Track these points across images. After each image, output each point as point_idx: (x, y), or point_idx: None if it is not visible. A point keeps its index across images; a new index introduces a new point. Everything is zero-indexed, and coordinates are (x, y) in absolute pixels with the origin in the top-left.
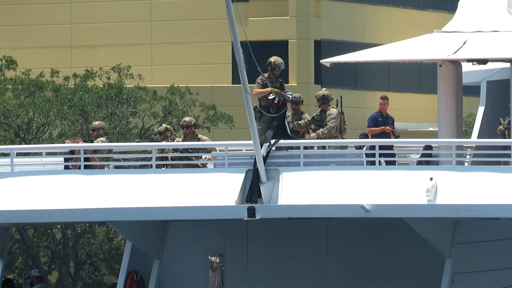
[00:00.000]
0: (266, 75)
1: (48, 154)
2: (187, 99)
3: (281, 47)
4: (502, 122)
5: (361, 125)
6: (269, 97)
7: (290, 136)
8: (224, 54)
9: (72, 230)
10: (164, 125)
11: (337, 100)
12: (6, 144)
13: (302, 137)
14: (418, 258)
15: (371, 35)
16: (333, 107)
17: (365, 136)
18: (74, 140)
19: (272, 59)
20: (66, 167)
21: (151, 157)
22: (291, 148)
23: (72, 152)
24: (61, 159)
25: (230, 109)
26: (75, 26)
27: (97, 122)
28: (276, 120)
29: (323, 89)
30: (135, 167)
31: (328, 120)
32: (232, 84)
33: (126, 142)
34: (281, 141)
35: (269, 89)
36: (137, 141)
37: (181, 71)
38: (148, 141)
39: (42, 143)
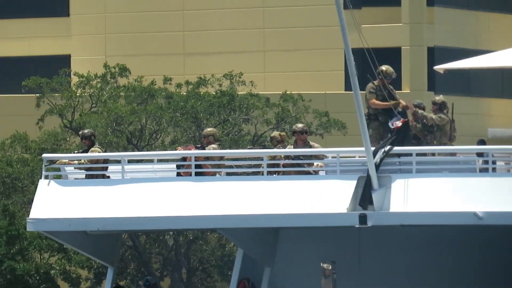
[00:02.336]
0: (376, 82)
1: (159, 161)
2: (299, 106)
3: (394, 54)
4: None
5: (473, 132)
6: (394, 125)
7: (412, 143)
8: (336, 60)
9: (184, 236)
10: (276, 132)
11: (449, 107)
12: (118, 151)
13: (423, 143)
14: None
15: (485, 41)
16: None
17: (482, 142)
18: (186, 147)
19: (384, 67)
20: (179, 174)
21: (262, 164)
22: (403, 155)
23: (184, 159)
24: (172, 166)
25: (343, 115)
26: (187, 34)
27: (209, 129)
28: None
29: (440, 96)
30: (247, 174)
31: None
32: (344, 90)
33: (238, 149)
34: (394, 148)
35: (390, 103)
36: (248, 148)
37: (294, 78)
38: (260, 148)
39: (154, 150)
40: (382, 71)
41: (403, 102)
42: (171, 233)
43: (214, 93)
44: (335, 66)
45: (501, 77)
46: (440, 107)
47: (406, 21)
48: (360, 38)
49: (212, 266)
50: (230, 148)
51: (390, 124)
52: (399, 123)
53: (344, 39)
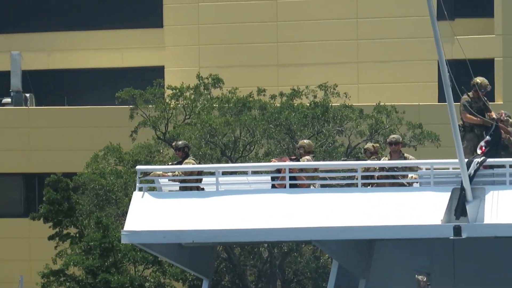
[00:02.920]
0: (470, 94)
1: (253, 172)
2: (393, 118)
3: (487, 65)
4: None
5: None
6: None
7: (501, 154)
8: (430, 72)
9: (278, 249)
10: (370, 144)
11: None
12: (212, 163)
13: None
14: None
15: None
16: None
17: None
18: (281, 159)
19: (478, 80)
20: (273, 186)
21: (357, 176)
22: (497, 166)
23: (279, 171)
24: (266, 177)
25: (436, 127)
26: (281, 45)
27: (305, 141)
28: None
29: None
30: (341, 185)
31: None
32: (438, 102)
33: (332, 160)
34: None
35: (481, 119)
36: (342, 160)
37: (387, 89)
38: (354, 160)
39: (248, 162)
40: (476, 83)
41: (493, 115)
42: (266, 245)
43: (308, 104)
44: (429, 77)
45: None
46: None
47: (499, 32)
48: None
49: (306, 278)
50: (323, 160)
51: (477, 149)
52: (483, 144)
53: (438, 50)
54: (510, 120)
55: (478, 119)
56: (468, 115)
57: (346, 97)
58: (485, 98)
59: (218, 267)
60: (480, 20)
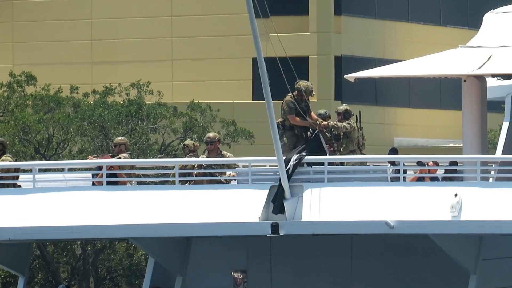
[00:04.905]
0: (294, 94)
1: (70, 170)
2: (207, 115)
3: (301, 63)
4: None
5: (380, 140)
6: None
7: (325, 152)
8: (244, 70)
9: (92, 246)
10: (190, 140)
11: (356, 115)
12: (26, 160)
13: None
14: (443, 274)
15: (392, 51)
16: (348, 122)
17: (394, 151)
18: (103, 156)
19: (303, 85)
20: (94, 184)
21: (174, 173)
22: (315, 164)
23: (99, 168)
24: (83, 175)
25: (250, 125)
26: (95, 42)
27: (119, 138)
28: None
29: (344, 104)
30: (158, 183)
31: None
32: (252, 100)
33: (146, 158)
34: (306, 157)
35: (308, 122)
36: (159, 157)
37: (202, 87)
38: (171, 157)
39: (62, 159)
40: (302, 89)
41: (321, 123)
42: (79, 242)
43: (121, 102)
44: (243, 75)
45: (407, 86)
46: (344, 116)
47: (314, 30)
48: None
49: (120, 276)
50: (138, 157)
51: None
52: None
53: (257, 47)
54: (331, 122)
55: (305, 121)
56: (296, 118)
57: (159, 95)
58: (308, 99)
59: (31, 264)
60: (295, 18)
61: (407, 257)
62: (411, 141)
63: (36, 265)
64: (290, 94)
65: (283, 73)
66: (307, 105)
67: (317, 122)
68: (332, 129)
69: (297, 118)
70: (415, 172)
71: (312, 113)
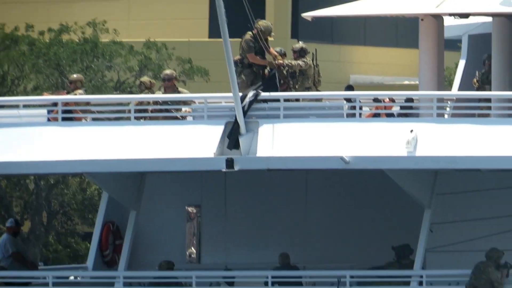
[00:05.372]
0: (253, 32)
1: (25, 106)
2: (163, 54)
3: (258, 1)
4: (476, 75)
5: (336, 78)
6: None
7: (279, 89)
8: (200, 8)
9: (45, 181)
10: (146, 77)
11: (312, 53)
12: None
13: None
14: (397, 208)
15: None
16: (303, 60)
17: (350, 88)
18: (59, 93)
19: (263, 25)
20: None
21: (130, 110)
22: (271, 100)
23: (55, 104)
24: (38, 111)
25: (206, 62)
26: None
27: (75, 75)
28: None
29: (300, 42)
30: (113, 119)
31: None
32: (208, 38)
33: (102, 94)
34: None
35: (266, 61)
36: (115, 93)
37: (158, 25)
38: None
39: (16, 96)
40: (261, 30)
41: (279, 61)
42: (32, 177)
43: (77, 40)
44: (199, 14)
45: (363, 24)
46: (300, 54)
47: None
48: None
49: (73, 210)
50: (93, 94)
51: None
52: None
53: None
54: (286, 61)
55: (264, 60)
56: (255, 57)
57: (115, 33)
58: (267, 39)
59: None
60: None
61: (363, 193)
62: (367, 78)
63: None
64: (249, 32)
65: (240, 11)
66: (265, 43)
67: (276, 58)
68: (287, 67)
69: (257, 58)
70: (370, 109)
71: (271, 48)
